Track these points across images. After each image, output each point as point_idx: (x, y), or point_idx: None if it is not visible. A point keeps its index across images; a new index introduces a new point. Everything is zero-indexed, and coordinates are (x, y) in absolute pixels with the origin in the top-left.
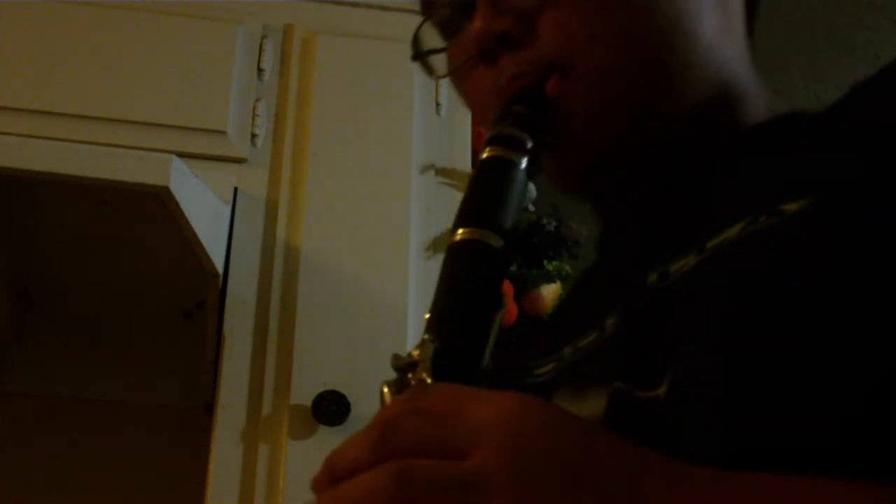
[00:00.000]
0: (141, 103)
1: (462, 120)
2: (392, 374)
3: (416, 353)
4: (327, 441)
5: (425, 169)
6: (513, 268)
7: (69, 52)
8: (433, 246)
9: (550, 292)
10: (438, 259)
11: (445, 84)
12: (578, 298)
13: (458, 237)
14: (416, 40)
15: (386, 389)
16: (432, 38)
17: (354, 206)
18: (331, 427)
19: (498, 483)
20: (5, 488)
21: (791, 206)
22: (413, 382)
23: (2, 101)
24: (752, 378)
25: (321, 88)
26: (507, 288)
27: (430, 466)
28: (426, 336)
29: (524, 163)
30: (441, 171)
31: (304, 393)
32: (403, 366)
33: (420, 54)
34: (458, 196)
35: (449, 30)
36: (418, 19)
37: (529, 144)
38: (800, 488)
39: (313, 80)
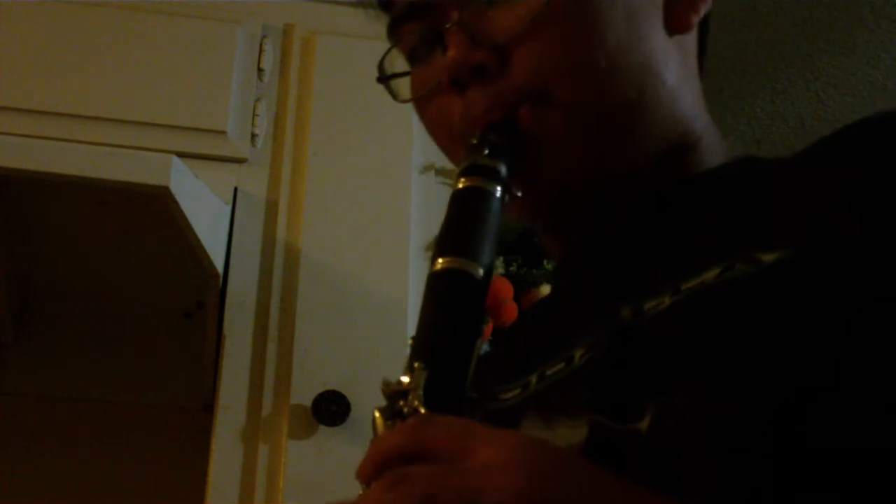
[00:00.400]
0: (141, 103)
1: None
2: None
3: (406, 380)
4: (327, 441)
5: (425, 169)
6: (512, 268)
7: (69, 52)
8: (433, 246)
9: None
10: None
11: None
12: (538, 325)
13: (441, 266)
14: (381, 64)
15: (378, 415)
16: (397, 61)
17: (354, 206)
18: (331, 427)
19: None
20: (5, 488)
21: (767, 257)
22: (405, 410)
23: (2, 101)
24: (729, 417)
25: (321, 88)
26: (507, 288)
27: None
28: (417, 364)
29: (499, 192)
30: (441, 171)
31: (304, 393)
32: (394, 393)
33: (385, 77)
34: None
35: (415, 56)
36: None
37: (504, 174)
38: None
39: (313, 80)
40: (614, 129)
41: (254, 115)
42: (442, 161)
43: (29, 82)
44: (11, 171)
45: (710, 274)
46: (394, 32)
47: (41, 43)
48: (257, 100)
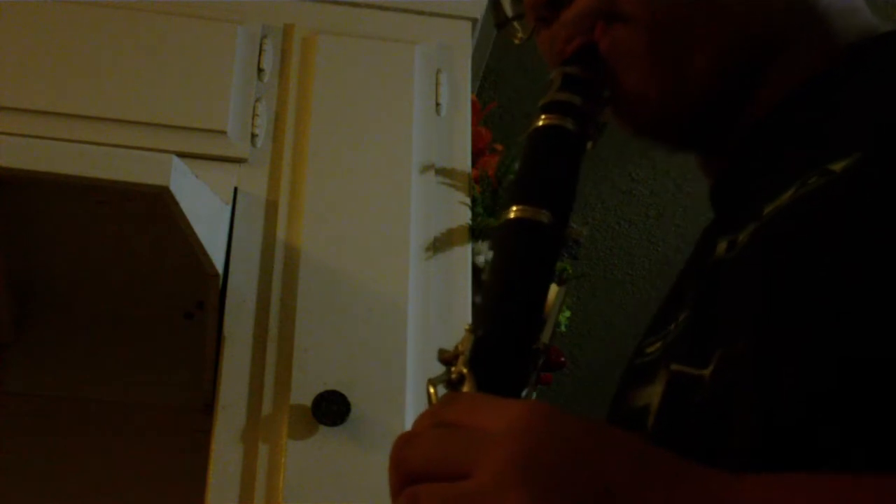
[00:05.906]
0: (141, 103)
1: (462, 120)
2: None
3: (460, 345)
4: (327, 441)
5: (425, 169)
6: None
7: (69, 52)
8: (433, 246)
9: (551, 292)
10: (438, 259)
11: (445, 84)
12: (687, 270)
13: (503, 217)
14: (497, 8)
15: (432, 389)
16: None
17: (354, 206)
18: (331, 427)
19: (500, 499)
20: (5, 488)
21: (837, 165)
22: (453, 376)
23: (2, 101)
24: (789, 365)
25: (321, 88)
26: None
27: (434, 491)
28: (467, 327)
29: (574, 126)
30: (441, 171)
31: (304, 393)
32: (448, 359)
33: (502, 22)
34: (458, 196)
35: None
36: (418, 19)
37: (580, 105)
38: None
39: (313, 80)
40: (691, 33)
41: (254, 115)
42: (442, 161)
43: (29, 82)
44: (11, 171)
45: (787, 194)
46: None
47: (41, 43)
48: (257, 100)
